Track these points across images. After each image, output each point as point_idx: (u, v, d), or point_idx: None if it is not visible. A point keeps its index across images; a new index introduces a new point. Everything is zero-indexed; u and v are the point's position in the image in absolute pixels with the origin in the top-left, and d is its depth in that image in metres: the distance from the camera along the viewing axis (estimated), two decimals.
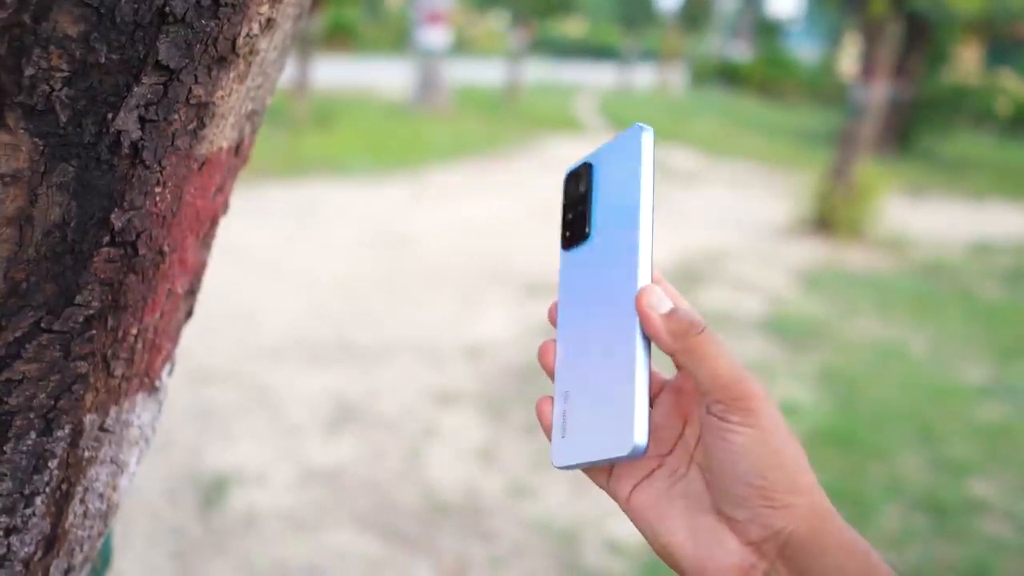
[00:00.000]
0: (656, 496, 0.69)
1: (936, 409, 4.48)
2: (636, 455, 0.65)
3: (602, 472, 0.73)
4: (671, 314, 0.66)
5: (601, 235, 0.72)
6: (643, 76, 31.58)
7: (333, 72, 17.38)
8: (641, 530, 0.69)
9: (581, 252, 0.75)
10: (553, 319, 0.76)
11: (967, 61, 22.43)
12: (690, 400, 0.70)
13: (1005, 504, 3.60)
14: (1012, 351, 5.48)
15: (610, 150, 0.74)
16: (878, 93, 9.22)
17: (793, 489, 0.61)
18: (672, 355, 0.66)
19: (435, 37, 16.44)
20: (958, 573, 3.15)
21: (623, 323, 0.68)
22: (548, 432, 0.73)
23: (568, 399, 0.72)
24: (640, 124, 0.71)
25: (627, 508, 0.70)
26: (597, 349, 0.70)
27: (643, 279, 0.68)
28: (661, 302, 0.66)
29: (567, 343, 0.74)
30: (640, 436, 0.65)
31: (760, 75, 29.47)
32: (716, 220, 8.71)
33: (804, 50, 36.01)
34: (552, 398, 0.74)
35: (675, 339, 0.65)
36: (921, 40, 15.00)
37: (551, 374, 0.75)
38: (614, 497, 0.72)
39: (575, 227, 0.75)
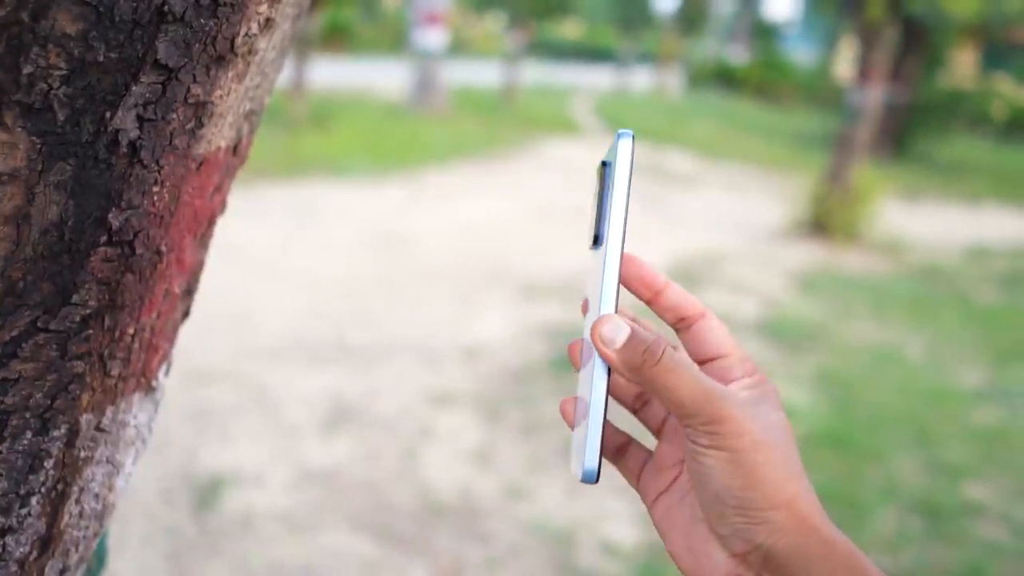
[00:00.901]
0: (669, 505, 0.69)
1: (932, 412, 4.48)
2: (587, 481, 0.66)
3: (632, 475, 0.73)
4: (626, 345, 0.64)
5: (607, 243, 0.69)
6: (640, 78, 31.60)
7: (330, 73, 17.37)
8: (660, 536, 0.69)
9: (596, 256, 0.72)
10: (585, 310, 0.74)
11: (963, 65, 22.47)
12: None
13: (1000, 508, 3.60)
14: (1008, 355, 5.49)
15: (612, 151, 0.71)
16: (874, 97, 9.23)
17: (770, 505, 0.60)
18: (635, 382, 0.65)
19: (433, 38, 16.43)
20: (953, 574, 3.15)
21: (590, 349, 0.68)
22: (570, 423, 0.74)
23: (585, 422, 0.71)
24: (621, 130, 0.69)
25: (651, 514, 0.70)
26: (588, 363, 0.69)
27: (605, 306, 0.67)
28: (616, 332, 0.65)
29: (585, 349, 0.73)
30: (589, 464, 0.66)
31: (757, 78, 29.50)
32: (713, 223, 8.72)
33: (801, 53, 36.03)
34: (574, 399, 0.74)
35: (632, 372, 0.64)
36: (917, 44, 15.02)
37: (577, 367, 0.75)
38: (643, 498, 0.72)
39: (595, 227, 0.72)
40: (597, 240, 0.71)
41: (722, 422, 0.61)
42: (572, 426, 0.73)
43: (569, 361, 0.74)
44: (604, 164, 0.71)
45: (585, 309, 0.74)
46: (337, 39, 27.21)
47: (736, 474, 0.60)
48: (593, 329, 0.65)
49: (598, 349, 0.65)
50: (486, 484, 3.52)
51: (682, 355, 0.64)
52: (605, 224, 0.69)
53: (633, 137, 0.69)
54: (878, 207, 8.75)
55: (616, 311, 0.67)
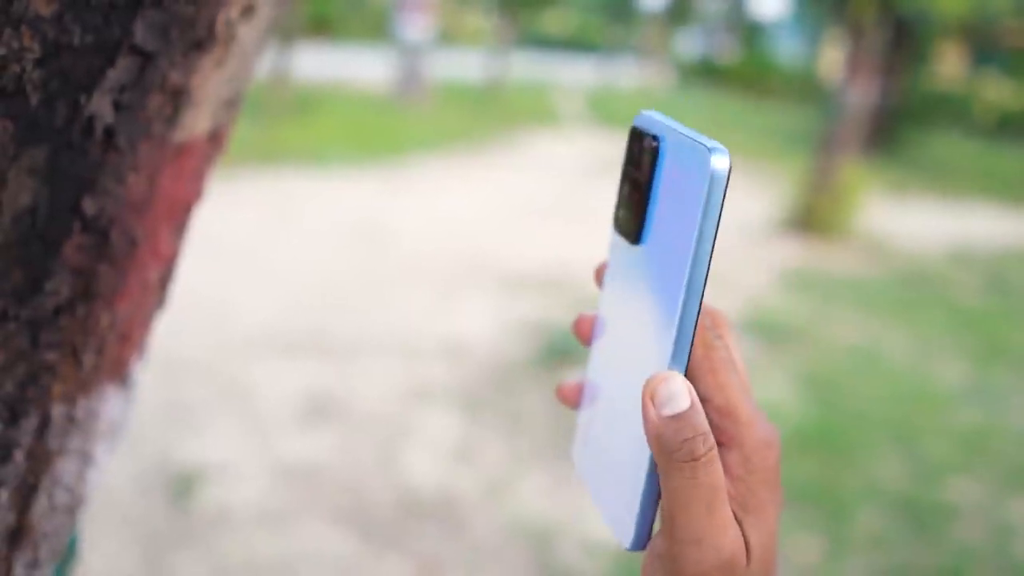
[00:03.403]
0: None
1: (914, 412, 4.50)
2: (634, 550, 0.57)
3: None
4: (674, 419, 0.52)
5: (652, 253, 0.57)
6: (627, 72, 31.63)
7: (313, 62, 17.32)
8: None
9: (630, 253, 0.60)
10: (599, 281, 0.64)
11: (951, 64, 22.56)
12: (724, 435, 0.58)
13: (982, 507, 3.61)
14: (990, 354, 5.50)
15: (681, 147, 0.55)
16: (862, 95, 9.24)
17: None
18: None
19: (418, 28, 16.41)
20: (934, 575, 3.16)
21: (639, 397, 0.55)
22: (572, 406, 0.67)
23: (593, 409, 0.65)
24: (716, 145, 0.52)
25: None
26: (622, 394, 0.59)
27: (667, 357, 0.54)
28: (673, 400, 0.52)
29: (599, 338, 0.64)
30: (638, 541, 0.56)
31: (744, 74, 29.56)
32: None
33: (789, 50, 36.11)
34: (578, 386, 0.67)
35: (656, 445, 0.52)
36: (905, 42, 15.06)
37: (583, 341, 0.66)
38: None
39: (627, 213, 0.60)
40: (624, 229, 0.60)
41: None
42: (576, 407, 0.67)
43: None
44: (655, 139, 0.57)
45: (599, 278, 0.64)
46: (321, 28, 27.14)
47: None
48: (647, 384, 0.53)
49: (644, 406, 0.53)
50: (466, 481, 3.52)
51: (716, 471, 0.52)
52: (650, 221, 0.57)
53: (730, 159, 0.52)
54: (864, 205, 8.78)
55: (685, 371, 0.54)
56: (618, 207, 0.61)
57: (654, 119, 0.59)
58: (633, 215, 0.59)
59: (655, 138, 0.57)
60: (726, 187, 0.52)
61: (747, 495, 0.55)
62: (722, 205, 0.52)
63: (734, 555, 0.53)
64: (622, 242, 0.61)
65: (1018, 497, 3.72)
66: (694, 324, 0.54)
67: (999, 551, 3.33)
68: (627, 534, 0.56)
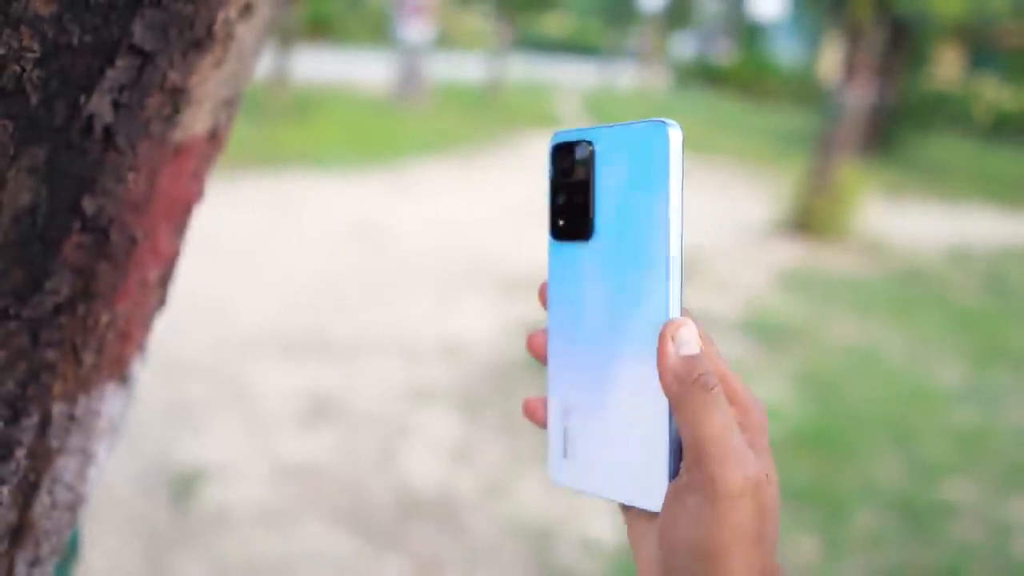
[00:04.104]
0: (645, 525, 0.64)
1: (912, 412, 4.50)
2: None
3: None
4: (690, 358, 0.60)
5: (610, 238, 0.64)
6: (625, 75, 31.63)
7: (312, 64, 17.32)
8: (632, 550, 0.65)
9: (581, 250, 0.66)
10: (543, 300, 0.70)
11: (949, 66, 22.56)
12: None
13: (979, 507, 3.61)
14: (988, 355, 5.51)
15: (620, 138, 0.64)
16: (859, 96, 9.25)
17: None
18: (669, 400, 0.60)
19: (417, 31, 16.41)
20: (932, 575, 3.16)
21: (647, 363, 0.62)
22: (540, 424, 0.70)
23: (570, 416, 0.67)
24: (665, 120, 0.61)
25: (626, 523, 0.67)
26: (612, 376, 0.64)
27: (673, 309, 0.61)
28: (688, 342, 0.60)
29: (564, 347, 0.68)
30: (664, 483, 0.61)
31: (742, 76, 29.57)
32: (696, 220, 8.72)
33: (787, 52, 36.11)
34: (543, 400, 0.70)
35: (676, 383, 0.59)
36: (903, 44, 15.07)
37: (541, 360, 0.70)
38: (621, 509, 0.68)
39: (571, 217, 0.66)
40: (568, 233, 0.66)
41: (716, 492, 0.56)
42: (543, 425, 0.70)
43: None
44: (588, 144, 0.65)
45: (543, 297, 0.69)
46: (320, 30, 27.13)
47: (696, 566, 0.57)
48: (666, 327, 0.60)
49: (662, 348, 0.60)
50: (465, 481, 3.52)
51: (727, 404, 0.59)
52: (599, 213, 0.64)
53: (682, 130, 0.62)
54: (861, 206, 8.78)
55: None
56: (557, 219, 0.67)
57: (570, 132, 0.67)
58: (580, 215, 0.65)
59: (590, 143, 0.65)
60: (682, 146, 0.61)
61: (752, 440, 0.61)
62: (683, 161, 0.61)
63: (757, 474, 0.57)
64: (570, 247, 0.66)
65: (1016, 497, 3.73)
66: (681, 275, 0.61)
67: (997, 551, 3.33)
68: (662, 493, 0.61)
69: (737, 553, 0.56)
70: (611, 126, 0.65)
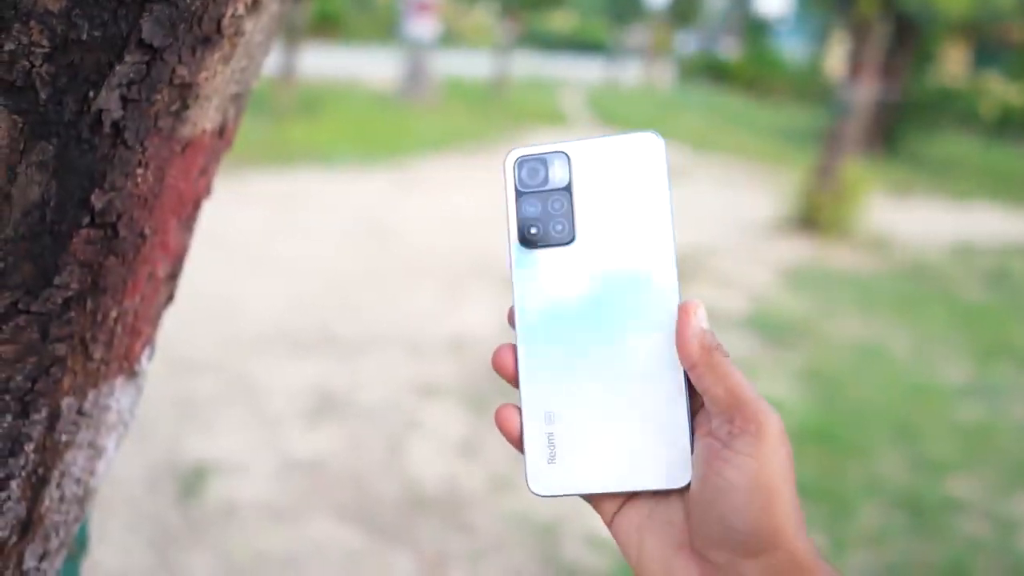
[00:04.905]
0: (638, 520, 0.66)
1: (916, 408, 4.49)
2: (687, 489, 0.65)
3: None
4: (708, 332, 0.65)
5: (596, 238, 0.68)
6: (631, 71, 31.60)
7: (320, 61, 17.31)
8: (622, 551, 0.67)
9: (559, 254, 0.68)
10: (513, 321, 0.70)
11: (954, 63, 22.51)
12: None
13: (983, 503, 3.61)
14: (992, 351, 5.50)
15: (603, 150, 0.69)
16: (865, 93, 9.24)
17: (775, 539, 0.58)
18: (692, 368, 0.65)
19: (424, 28, 16.40)
20: (936, 571, 3.15)
21: (656, 346, 0.67)
22: (516, 444, 0.70)
23: (555, 422, 0.68)
24: (651, 131, 0.69)
25: (610, 527, 0.68)
26: (612, 366, 0.67)
27: (675, 294, 0.67)
28: (705, 319, 0.66)
29: (541, 354, 0.69)
30: (685, 471, 0.65)
31: (748, 73, 29.51)
32: (701, 216, 8.71)
33: (792, 48, 36.05)
34: (517, 409, 0.70)
35: (703, 353, 0.64)
36: (909, 41, 15.03)
37: (511, 380, 0.70)
38: (598, 512, 0.70)
39: (555, 223, 0.69)
40: (542, 240, 0.69)
41: (767, 425, 0.61)
42: (515, 438, 0.70)
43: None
44: (564, 155, 0.70)
45: (511, 319, 0.70)
46: (327, 27, 27.14)
47: (757, 491, 0.59)
48: (687, 307, 0.66)
49: (686, 316, 0.66)
50: (471, 476, 3.52)
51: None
52: (581, 217, 0.69)
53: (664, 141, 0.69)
54: (866, 203, 8.76)
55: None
56: (530, 228, 0.70)
57: (529, 148, 0.71)
58: (560, 221, 0.69)
59: (565, 154, 0.70)
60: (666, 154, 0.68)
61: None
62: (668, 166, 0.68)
63: (780, 422, 0.62)
64: (548, 254, 0.69)
65: (1021, 493, 3.72)
66: (676, 267, 0.68)
67: (1002, 546, 3.33)
68: (686, 469, 0.65)
69: (787, 486, 0.60)
70: (587, 138, 0.70)
